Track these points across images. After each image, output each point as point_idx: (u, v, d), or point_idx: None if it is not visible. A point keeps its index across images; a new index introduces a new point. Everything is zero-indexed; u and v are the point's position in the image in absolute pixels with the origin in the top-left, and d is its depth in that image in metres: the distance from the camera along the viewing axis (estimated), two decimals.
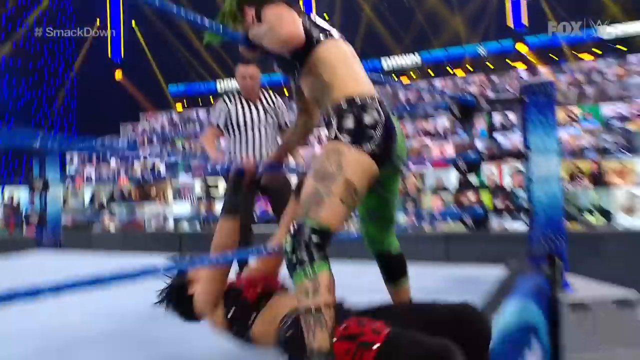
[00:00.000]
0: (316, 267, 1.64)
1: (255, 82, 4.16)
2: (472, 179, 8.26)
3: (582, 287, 4.02)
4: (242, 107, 4.15)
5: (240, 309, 1.97)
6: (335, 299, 1.68)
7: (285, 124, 4.27)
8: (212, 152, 4.15)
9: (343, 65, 1.93)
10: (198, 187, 10.29)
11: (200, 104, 21.17)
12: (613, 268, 4.34)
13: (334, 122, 1.83)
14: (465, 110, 3.88)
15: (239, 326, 1.98)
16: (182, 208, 10.14)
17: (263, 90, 4.28)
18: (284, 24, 1.88)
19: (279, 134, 4.26)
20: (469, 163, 3.97)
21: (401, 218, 7.81)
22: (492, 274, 3.94)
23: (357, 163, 1.75)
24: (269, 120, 4.16)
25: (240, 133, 4.11)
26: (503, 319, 2.67)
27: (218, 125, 4.19)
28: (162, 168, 12.90)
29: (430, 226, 6.91)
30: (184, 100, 22.38)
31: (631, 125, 9.77)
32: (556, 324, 3.66)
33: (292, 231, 1.70)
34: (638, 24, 16.32)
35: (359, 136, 1.77)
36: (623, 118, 10.23)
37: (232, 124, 4.13)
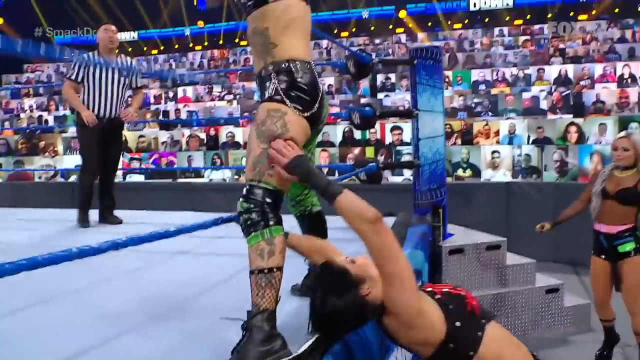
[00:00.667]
0: (273, 230, 1.62)
1: (115, 40, 4.31)
2: (357, 135, 8.39)
3: (459, 235, 4.23)
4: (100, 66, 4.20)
5: (466, 322, 1.61)
6: (283, 262, 1.64)
7: (137, 85, 4.48)
8: (83, 110, 4.19)
9: (293, 27, 1.81)
10: None
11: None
12: (482, 215, 4.57)
13: (275, 82, 1.74)
14: (360, 68, 3.85)
15: (462, 341, 1.59)
16: (73, 161, 9.48)
17: (120, 52, 4.51)
18: None
19: (130, 92, 4.51)
20: (363, 118, 3.97)
21: None
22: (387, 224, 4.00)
23: (297, 122, 1.71)
24: (121, 80, 4.29)
25: (94, 87, 4.19)
26: None
27: (77, 80, 4.23)
28: (50, 120, 12.02)
29: None
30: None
31: (494, 90, 10.39)
32: (437, 268, 3.82)
33: (245, 192, 1.63)
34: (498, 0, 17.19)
35: (299, 99, 1.72)
36: (488, 83, 10.86)
37: (88, 77, 4.19)
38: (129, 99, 4.78)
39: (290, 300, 2.11)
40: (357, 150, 7.98)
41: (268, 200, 1.64)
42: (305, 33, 1.91)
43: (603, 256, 3.52)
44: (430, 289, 1.68)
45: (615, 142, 3.46)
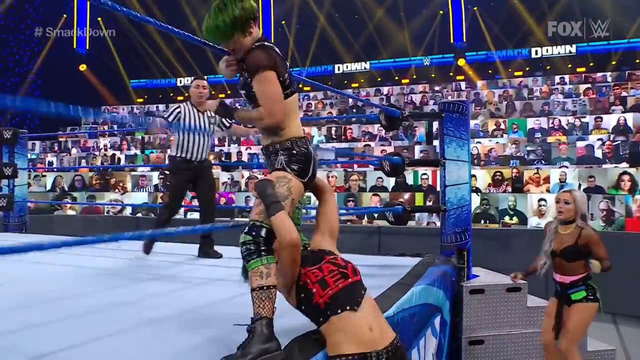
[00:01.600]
0: (270, 258, 2.16)
1: (205, 93, 4.88)
2: (409, 180, 8.82)
3: (484, 276, 4.57)
4: (193, 114, 4.83)
5: (311, 310, 2.17)
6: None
7: (229, 122, 4.98)
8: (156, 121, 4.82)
9: (294, 114, 2.40)
10: (155, 178, 10.51)
11: (161, 99, 21.29)
12: (521, 260, 4.82)
13: (282, 157, 2.32)
14: (391, 120, 4.35)
15: (311, 319, 2.19)
16: (139, 197, 10.35)
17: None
18: (276, 105, 2.27)
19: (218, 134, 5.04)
20: (393, 166, 4.45)
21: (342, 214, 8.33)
22: (411, 263, 4.40)
23: (298, 187, 2.31)
24: (212, 127, 4.90)
25: (185, 133, 4.78)
26: (408, 300, 3.12)
27: (167, 119, 4.90)
28: (122, 159, 13.04)
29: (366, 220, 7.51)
30: (145, 95, 22.42)
31: (550, 139, 10.55)
32: (457, 305, 4.18)
33: (247, 228, 2.19)
34: (560, 48, 17.35)
35: (299, 169, 2.31)
36: (543, 131, 11.04)
37: (184, 125, 4.81)
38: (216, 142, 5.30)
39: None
40: (407, 196, 8.37)
41: (265, 235, 2.17)
42: (298, 113, 2.49)
43: (556, 296, 3.90)
44: (309, 274, 2.21)
45: (558, 195, 3.87)
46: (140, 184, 10.62)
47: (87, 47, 21.86)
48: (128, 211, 10.12)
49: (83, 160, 13.40)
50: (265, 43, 2.35)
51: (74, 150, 14.53)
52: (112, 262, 4.63)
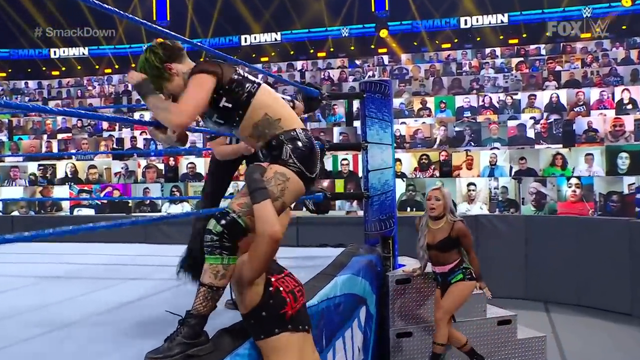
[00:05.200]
0: (232, 259, 2.36)
1: None
2: (328, 166, 9.19)
3: (411, 266, 5.03)
4: None
5: (273, 318, 2.31)
6: None
7: None
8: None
9: (279, 105, 2.62)
10: (33, 168, 10.30)
11: (29, 73, 20.66)
12: None
13: (288, 148, 2.47)
14: (309, 101, 4.68)
15: (260, 325, 2.33)
16: (12, 192, 10.13)
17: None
18: (189, 107, 2.44)
19: None
20: None
21: None
22: (334, 254, 4.76)
23: (295, 188, 2.47)
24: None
25: None
26: (331, 289, 3.49)
27: None
28: None
29: None
30: (9, 69, 21.67)
31: (479, 118, 11.25)
32: (384, 296, 4.61)
33: (220, 214, 2.38)
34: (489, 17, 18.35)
35: (306, 164, 2.47)
36: (473, 109, 11.75)
37: None
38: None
39: (226, 312, 2.90)
40: (326, 183, 8.71)
41: (235, 232, 2.36)
42: (285, 104, 2.71)
43: (439, 287, 4.55)
44: (280, 281, 2.41)
45: (429, 193, 4.59)
46: (13, 177, 10.40)
47: None
48: None
49: None
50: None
51: None
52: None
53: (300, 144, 2.49)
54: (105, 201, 9.33)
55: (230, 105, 2.52)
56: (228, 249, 2.33)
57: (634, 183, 7.30)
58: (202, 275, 2.37)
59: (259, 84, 2.59)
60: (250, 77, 2.62)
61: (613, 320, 6.21)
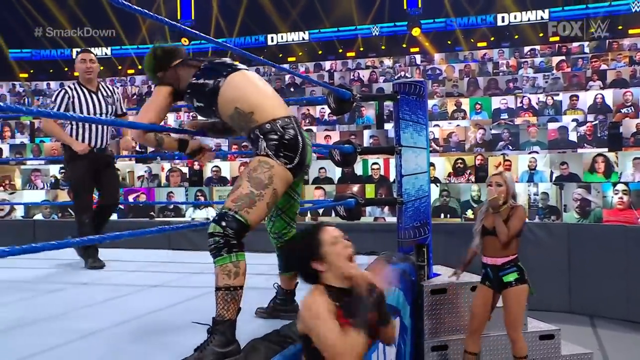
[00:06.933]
0: (240, 255, 2.41)
1: (94, 68, 5.11)
2: (358, 170, 9.16)
3: (447, 275, 4.99)
4: (84, 96, 4.99)
5: None
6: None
7: (123, 111, 5.26)
8: (73, 142, 4.91)
9: (252, 95, 2.67)
10: (54, 171, 10.41)
11: (52, 74, 20.94)
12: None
13: (263, 143, 2.58)
14: (341, 103, 4.68)
15: None
16: (33, 195, 10.25)
17: (100, 81, 5.23)
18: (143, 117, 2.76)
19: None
20: (344, 155, 4.80)
21: None
22: (366, 262, 4.74)
23: (281, 175, 2.56)
24: (108, 109, 5.07)
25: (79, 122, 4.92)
26: None
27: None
28: (5, 150, 12.65)
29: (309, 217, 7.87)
30: (31, 70, 21.98)
31: (517, 120, 11.14)
32: (418, 307, 4.58)
33: (218, 217, 2.42)
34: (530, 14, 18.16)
35: (284, 155, 2.56)
36: (510, 111, 11.64)
37: (73, 109, 4.93)
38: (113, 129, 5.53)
39: (256, 320, 2.91)
40: (356, 188, 8.68)
41: (237, 229, 2.41)
42: (268, 89, 2.79)
43: (488, 283, 4.49)
44: None
45: (490, 178, 4.56)
46: (34, 181, 10.54)
47: None
48: (19, 213, 10.04)
49: None
50: (178, 62, 2.86)
51: None
52: (27, 272, 4.76)
53: (274, 136, 2.57)
54: (127, 205, 9.39)
55: (202, 105, 2.74)
56: (234, 246, 2.39)
57: None
58: (216, 280, 2.40)
59: (226, 75, 2.70)
60: (220, 68, 2.75)
61: None
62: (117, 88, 5.25)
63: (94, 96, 5.00)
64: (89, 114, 4.92)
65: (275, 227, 3.00)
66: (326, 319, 2.24)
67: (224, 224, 2.40)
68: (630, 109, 10.90)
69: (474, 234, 4.59)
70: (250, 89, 2.70)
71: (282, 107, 2.73)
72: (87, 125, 4.93)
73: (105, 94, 5.09)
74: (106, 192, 5.10)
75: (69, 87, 5.03)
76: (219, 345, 2.30)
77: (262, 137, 2.58)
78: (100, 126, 4.96)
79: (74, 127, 4.92)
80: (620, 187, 7.57)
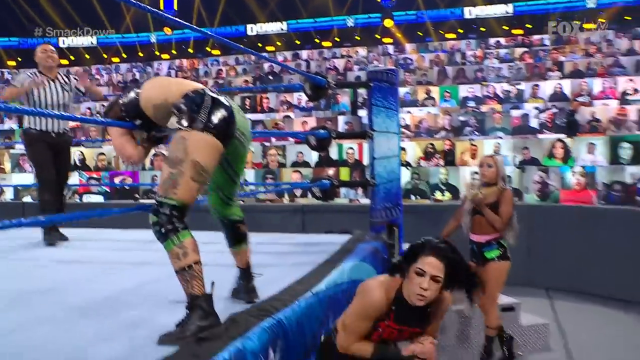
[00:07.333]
0: (181, 235, 2.35)
1: (55, 59, 5.17)
2: (333, 154, 9.20)
3: None
4: (44, 82, 4.99)
5: None
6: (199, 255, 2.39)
7: (82, 91, 5.33)
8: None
9: (160, 89, 2.64)
10: None
11: None
12: (453, 236, 5.27)
13: (174, 118, 2.47)
14: (316, 90, 4.69)
15: None
16: (22, 178, 10.14)
17: (59, 71, 5.27)
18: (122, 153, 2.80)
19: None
20: (319, 140, 4.81)
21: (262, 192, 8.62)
22: (339, 240, 4.77)
23: (199, 143, 2.39)
24: (65, 95, 5.14)
25: (39, 102, 4.98)
26: (339, 275, 3.50)
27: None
28: None
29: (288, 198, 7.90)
30: (18, 57, 21.69)
31: (483, 107, 11.26)
32: None
33: (154, 207, 2.38)
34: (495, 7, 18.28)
35: (194, 120, 2.42)
36: (477, 99, 11.76)
37: (32, 93, 4.97)
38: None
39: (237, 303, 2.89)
40: (331, 171, 8.72)
41: (174, 212, 2.35)
42: (179, 80, 2.78)
43: (474, 259, 4.53)
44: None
45: (481, 160, 4.60)
46: (22, 164, 10.42)
47: None
48: (9, 195, 9.95)
49: None
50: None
51: None
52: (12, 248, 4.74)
53: (184, 107, 2.45)
54: (113, 188, 9.36)
55: (140, 121, 2.70)
56: (173, 230, 2.33)
57: (636, 173, 7.33)
58: (173, 267, 2.36)
59: (139, 87, 2.73)
60: (132, 87, 2.83)
61: (615, 308, 6.19)
62: (74, 77, 5.28)
63: (51, 84, 5.04)
64: (47, 99, 4.99)
65: (212, 200, 2.85)
66: (360, 311, 2.60)
67: (158, 212, 2.35)
68: (587, 97, 11.13)
69: (464, 212, 4.58)
70: (160, 83, 2.72)
71: (190, 85, 2.62)
72: (46, 109, 4.97)
73: (62, 81, 5.15)
74: (61, 172, 5.11)
75: (32, 73, 5.09)
76: (198, 318, 2.28)
77: (175, 113, 2.47)
78: (59, 112, 4.96)
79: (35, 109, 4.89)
80: (577, 169, 7.71)
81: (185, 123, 2.41)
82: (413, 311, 2.54)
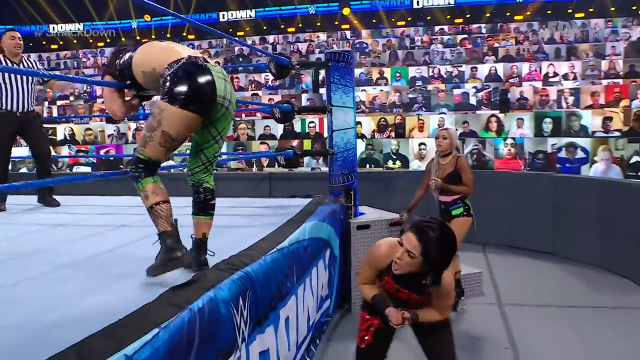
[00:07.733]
0: (144, 182, 2.40)
1: (21, 45, 4.91)
2: (298, 128, 9.14)
3: (369, 214, 5.04)
4: (8, 64, 4.77)
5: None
6: (164, 198, 2.39)
7: (45, 80, 5.14)
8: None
9: (151, 55, 2.51)
10: None
11: (30, 47, 19.98)
12: (402, 199, 5.29)
13: (160, 87, 2.41)
14: (280, 69, 4.60)
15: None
16: (18, 151, 9.88)
17: (23, 55, 5.01)
18: (110, 107, 2.69)
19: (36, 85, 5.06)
20: (283, 113, 4.73)
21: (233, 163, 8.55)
22: (302, 203, 4.74)
23: (173, 116, 2.32)
24: (29, 79, 4.86)
25: (4, 85, 4.71)
26: (301, 233, 3.47)
27: None
28: None
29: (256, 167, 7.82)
30: None
31: (430, 87, 11.30)
32: (346, 240, 4.61)
33: (133, 158, 2.42)
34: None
35: (172, 95, 2.32)
36: (424, 79, 11.79)
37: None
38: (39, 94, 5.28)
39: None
40: (295, 143, 8.68)
41: (139, 164, 2.40)
42: (173, 45, 2.59)
43: (442, 216, 4.61)
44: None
45: (437, 132, 4.67)
46: (17, 139, 10.14)
47: None
48: None
49: None
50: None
51: None
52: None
53: (168, 78, 2.35)
54: (100, 159, 9.18)
55: (129, 82, 2.64)
56: (139, 177, 2.40)
57: (555, 143, 7.62)
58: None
59: (135, 49, 2.61)
60: (131, 47, 2.66)
61: (539, 259, 6.34)
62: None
63: (17, 67, 4.85)
64: (12, 82, 4.73)
65: (190, 163, 2.61)
66: (368, 261, 2.65)
67: (134, 162, 2.42)
68: (516, 79, 11.39)
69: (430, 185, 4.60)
70: (149, 51, 2.57)
71: (175, 53, 2.46)
72: (12, 92, 4.71)
73: (27, 65, 4.94)
74: (34, 143, 4.94)
75: None
76: (164, 252, 2.35)
77: (160, 82, 2.39)
78: (23, 92, 4.76)
79: (3, 94, 4.70)
80: (509, 141, 7.83)
81: (168, 99, 2.33)
82: (408, 276, 2.48)
